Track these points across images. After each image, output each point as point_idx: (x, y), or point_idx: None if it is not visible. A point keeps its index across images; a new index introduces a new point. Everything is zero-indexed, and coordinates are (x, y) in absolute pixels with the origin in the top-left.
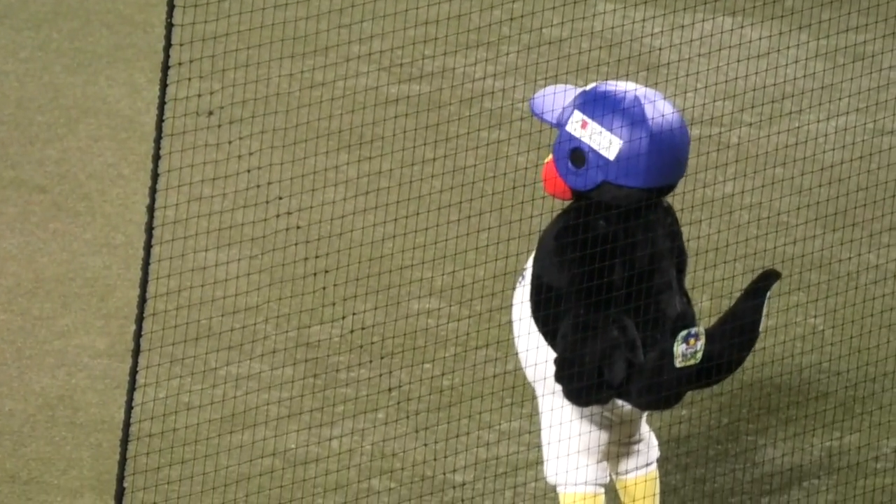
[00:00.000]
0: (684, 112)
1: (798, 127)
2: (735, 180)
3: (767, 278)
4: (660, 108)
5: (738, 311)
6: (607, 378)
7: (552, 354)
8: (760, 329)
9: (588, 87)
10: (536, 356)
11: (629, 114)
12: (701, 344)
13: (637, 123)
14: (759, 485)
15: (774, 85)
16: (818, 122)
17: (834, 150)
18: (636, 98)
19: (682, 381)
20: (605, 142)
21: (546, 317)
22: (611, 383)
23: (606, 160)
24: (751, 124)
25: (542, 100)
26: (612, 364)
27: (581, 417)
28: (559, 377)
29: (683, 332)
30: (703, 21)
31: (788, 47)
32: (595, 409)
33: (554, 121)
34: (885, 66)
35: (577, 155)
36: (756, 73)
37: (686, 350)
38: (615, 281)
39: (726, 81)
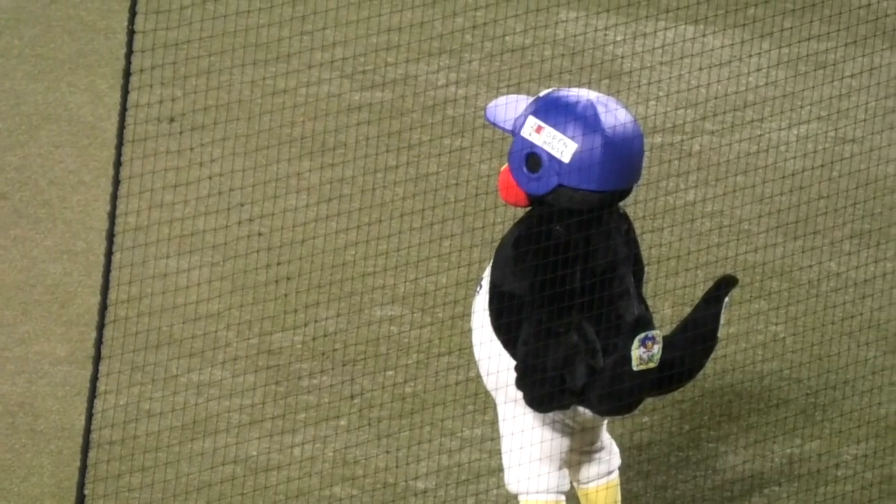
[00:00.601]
0: (646, 120)
1: (760, 135)
2: (697, 188)
3: (725, 285)
4: (614, 113)
5: (697, 318)
6: (569, 384)
7: (512, 362)
8: (719, 336)
9: (542, 94)
10: (497, 364)
11: (583, 118)
12: (658, 348)
13: (591, 127)
14: (721, 492)
15: (736, 93)
16: (780, 130)
17: (796, 158)
18: (590, 103)
19: (642, 386)
20: (560, 145)
21: (507, 324)
22: (572, 389)
23: (561, 163)
24: (713, 132)
25: (495, 109)
26: (574, 370)
27: (542, 425)
28: (520, 384)
29: (641, 336)
30: (666, 29)
31: (750, 56)
32: (556, 416)
33: (509, 128)
34: (847, 74)
35: (533, 160)
36: (718, 81)
37: (643, 353)
38: (575, 288)
39: (688, 90)
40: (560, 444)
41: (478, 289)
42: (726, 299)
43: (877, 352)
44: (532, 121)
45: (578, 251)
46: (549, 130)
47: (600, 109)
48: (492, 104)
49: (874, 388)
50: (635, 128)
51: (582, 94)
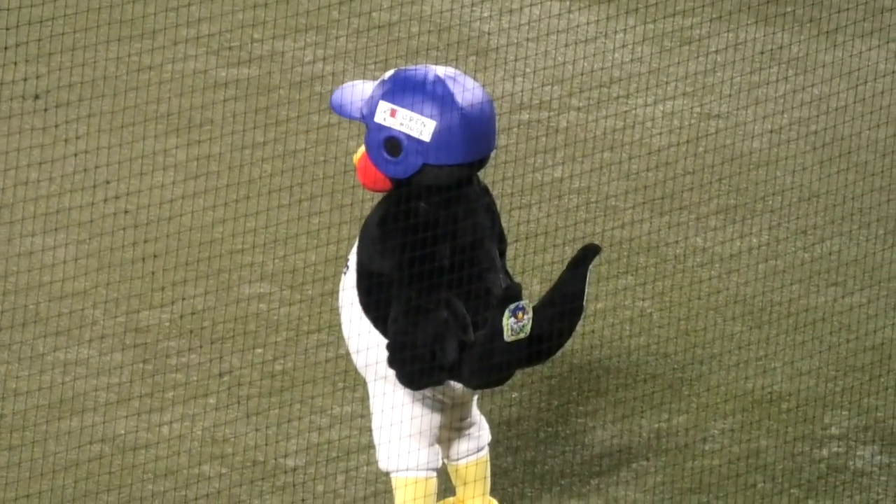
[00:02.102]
0: (513, 97)
1: (626, 111)
2: (564, 164)
3: (588, 251)
4: (462, 83)
5: (563, 287)
6: (440, 360)
7: (381, 340)
8: (585, 304)
9: (386, 77)
10: (367, 341)
11: (435, 93)
12: (528, 318)
13: (446, 101)
14: (589, 466)
15: (602, 69)
16: (646, 106)
17: (662, 134)
18: (437, 77)
19: (513, 357)
20: (419, 125)
21: (375, 303)
22: (443, 364)
23: (423, 143)
24: (579, 109)
25: (341, 98)
26: (445, 345)
27: (413, 401)
28: (392, 361)
29: (511, 306)
30: (532, 5)
31: (616, 32)
32: (427, 392)
33: (358, 115)
34: (712, 49)
35: (393, 144)
36: (584, 57)
37: (515, 324)
38: (443, 264)
39: (555, 66)
40: (431, 420)
41: (345, 268)
42: (591, 266)
43: (743, 327)
44: (384, 105)
45: (446, 228)
46: (403, 112)
47: (449, 83)
48: (336, 93)
49: (740, 362)
50: (484, 94)
51: (427, 70)
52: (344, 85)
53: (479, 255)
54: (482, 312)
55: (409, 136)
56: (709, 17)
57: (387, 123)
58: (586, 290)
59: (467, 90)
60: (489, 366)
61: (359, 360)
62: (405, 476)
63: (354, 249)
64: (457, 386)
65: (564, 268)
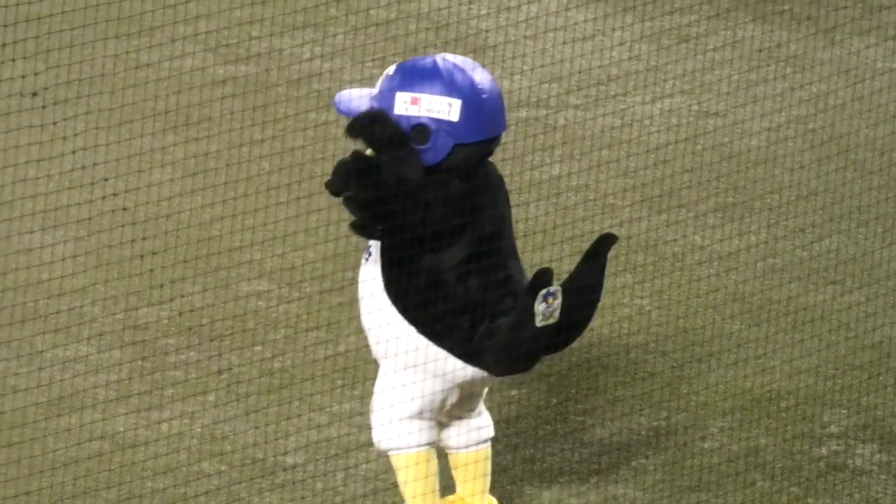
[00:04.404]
0: (511, 94)
1: (624, 109)
2: (562, 162)
3: (604, 241)
4: (462, 63)
5: (581, 272)
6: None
7: (405, 330)
8: (602, 291)
9: (391, 71)
10: (388, 332)
11: (452, 74)
12: (558, 303)
13: (465, 80)
14: (588, 465)
15: (600, 67)
16: (644, 104)
17: (660, 132)
18: (443, 60)
19: (541, 342)
20: (445, 106)
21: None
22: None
23: (452, 123)
24: (577, 107)
25: (349, 101)
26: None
27: (422, 385)
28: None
29: (543, 291)
30: (530, 3)
31: (614, 29)
32: (447, 378)
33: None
34: (710, 47)
35: (419, 131)
36: (582, 55)
37: (545, 309)
38: (470, 252)
39: (553, 64)
40: (432, 402)
41: (365, 257)
42: (609, 255)
43: (741, 325)
44: (403, 95)
45: (473, 214)
46: (426, 97)
47: (454, 62)
48: (344, 98)
49: (739, 360)
50: (485, 70)
51: (430, 57)
52: (341, 92)
53: (501, 243)
54: (505, 299)
55: (436, 120)
56: (706, 15)
57: (410, 112)
58: (605, 281)
59: (473, 67)
60: (517, 352)
61: (379, 351)
62: (406, 453)
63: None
64: (475, 373)
65: (582, 257)
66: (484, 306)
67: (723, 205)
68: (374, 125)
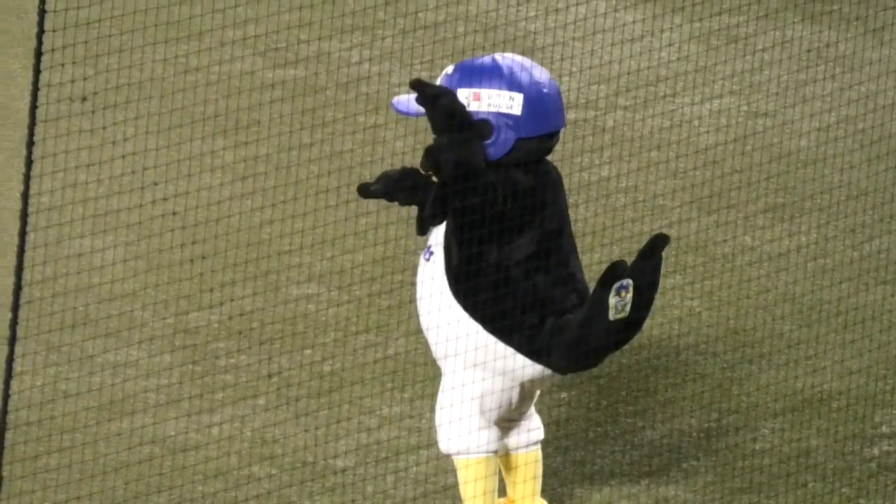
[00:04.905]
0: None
1: (673, 110)
2: (611, 164)
3: (659, 240)
4: (523, 60)
5: (636, 271)
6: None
7: (467, 329)
8: (658, 290)
9: (450, 71)
10: (454, 331)
11: (511, 70)
12: (630, 297)
13: (524, 74)
14: (639, 466)
15: (649, 68)
16: (693, 105)
17: (709, 132)
18: (501, 57)
19: (611, 337)
20: (507, 101)
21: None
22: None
23: (515, 117)
24: (626, 108)
25: (408, 101)
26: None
27: (487, 392)
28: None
29: (616, 284)
30: (578, 4)
31: (663, 30)
32: (513, 377)
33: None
34: (759, 47)
35: (484, 126)
36: (631, 56)
37: (618, 302)
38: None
39: (601, 65)
40: (494, 401)
41: (426, 256)
42: (662, 254)
43: (792, 325)
44: (464, 92)
45: (535, 210)
46: (488, 92)
47: (513, 59)
48: (402, 98)
49: (790, 361)
50: (542, 68)
51: (488, 55)
52: (397, 97)
53: (563, 241)
54: (570, 295)
55: (499, 114)
56: (755, 16)
57: (471, 108)
58: (660, 280)
59: (534, 66)
60: (586, 348)
61: (441, 350)
62: (466, 458)
63: (437, 237)
64: (535, 374)
65: (637, 256)
66: (551, 303)
67: (773, 205)
68: (452, 101)
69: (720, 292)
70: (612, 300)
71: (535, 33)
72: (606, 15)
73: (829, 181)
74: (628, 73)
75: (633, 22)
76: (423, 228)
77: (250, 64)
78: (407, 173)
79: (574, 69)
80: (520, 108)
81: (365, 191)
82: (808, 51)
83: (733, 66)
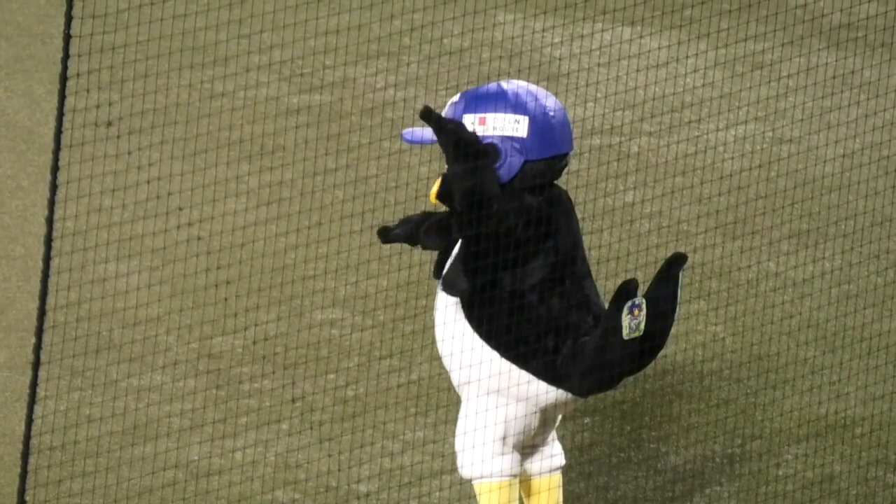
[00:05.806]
0: (584, 122)
1: (698, 136)
2: (635, 189)
3: (677, 263)
4: (528, 85)
5: (654, 298)
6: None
7: (488, 355)
8: (676, 316)
9: (455, 99)
10: (469, 358)
11: (516, 94)
12: (643, 315)
13: (529, 98)
14: (662, 492)
15: (674, 94)
16: (718, 131)
17: (733, 158)
18: (506, 83)
19: (625, 358)
20: (513, 124)
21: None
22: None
23: (521, 139)
24: (651, 134)
25: (412, 132)
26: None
27: (510, 417)
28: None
29: (628, 303)
30: (603, 31)
31: (688, 57)
32: (532, 402)
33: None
34: (784, 74)
35: (491, 150)
36: (656, 82)
37: (631, 321)
38: (546, 275)
39: (626, 91)
40: (515, 427)
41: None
42: (681, 275)
43: (816, 351)
44: (470, 117)
45: (548, 230)
46: (493, 116)
47: (517, 84)
48: (409, 131)
49: (814, 387)
50: (548, 92)
51: (492, 83)
52: (406, 130)
53: (577, 266)
54: (584, 317)
55: (505, 137)
56: (780, 42)
57: (478, 133)
58: (679, 300)
59: (538, 90)
60: (603, 370)
61: (459, 377)
62: (488, 482)
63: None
64: (557, 398)
65: (654, 281)
66: (567, 327)
67: (797, 231)
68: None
69: (744, 318)
70: (626, 319)
71: (559, 59)
72: (631, 41)
73: (853, 207)
74: (653, 99)
75: (658, 48)
76: (440, 272)
77: (275, 89)
78: (428, 217)
79: (599, 95)
80: (525, 130)
81: (386, 235)
82: (833, 77)
83: (758, 92)
